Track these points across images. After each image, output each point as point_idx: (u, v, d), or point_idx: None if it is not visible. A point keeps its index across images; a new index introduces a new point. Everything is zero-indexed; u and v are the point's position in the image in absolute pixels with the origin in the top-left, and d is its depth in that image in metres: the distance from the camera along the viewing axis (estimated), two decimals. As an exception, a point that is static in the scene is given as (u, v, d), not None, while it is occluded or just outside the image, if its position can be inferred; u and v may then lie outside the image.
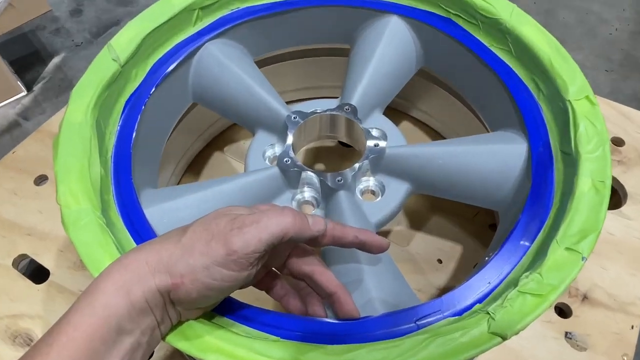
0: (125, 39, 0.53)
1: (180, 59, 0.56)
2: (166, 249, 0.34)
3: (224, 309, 0.39)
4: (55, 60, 1.29)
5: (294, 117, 0.56)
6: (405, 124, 0.77)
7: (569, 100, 0.48)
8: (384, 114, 0.60)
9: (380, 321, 0.39)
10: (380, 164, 0.54)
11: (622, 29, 1.33)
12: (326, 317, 0.40)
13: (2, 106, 1.19)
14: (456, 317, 0.39)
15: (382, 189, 0.54)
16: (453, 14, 0.58)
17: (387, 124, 0.58)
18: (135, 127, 0.51)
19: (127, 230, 0.44)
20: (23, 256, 0.62)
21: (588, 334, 0.54)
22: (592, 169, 0.44)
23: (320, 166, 0.73)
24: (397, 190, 0.53)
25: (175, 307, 0.35)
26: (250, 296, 0.43)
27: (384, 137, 0.56)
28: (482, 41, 0.56)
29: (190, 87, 0.59)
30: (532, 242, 0.43)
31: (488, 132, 0.59)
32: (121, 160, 0.49)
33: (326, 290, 0.39)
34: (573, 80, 0.49)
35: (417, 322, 0.38)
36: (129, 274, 0.33)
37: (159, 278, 0.33)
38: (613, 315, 0.55)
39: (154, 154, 0.56)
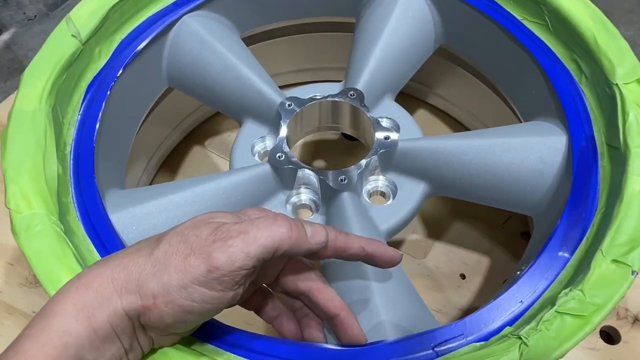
0: (87, 12, 0.53)
1: (153, 35, 0.56)
2: (135, 263, 0.34)
3: (206, 333, 0.39)
4: (4, 37, 1.29)
5: (289, 105, 0.56)
6: (422, 112, 0.77)
7: (616, 84, 0.48)
8: (396, 100, 0.60)
9: (391, 348, 0.39)
10: (391, 160, 0.54)
11: (681, 0, 1.33)
12: (326, 342, 0.40)
13: (-60, 92, 1.19)
14: (482, 342, 0.39)
15: (394, 190, 0.54)
16: (478, -19, 0.58)
17: (399, 112, 0.58)
18: (99, 116, 0.51)
19: (89, 239, 0.44)
20: (-35, 270, 0.62)
21: (640, 364, 0.54)
22: (644, 166, 0.44)
23: (320, 163, 0.73)
24: (412, 192, 0.53)
25: (147, 333, 0.35)
26: (236, 318, 0.43)
27: (396, 128, 0.56)
28: (513, 13, 0.56)
29: (165, 69, 0.59)
30: (572, 253, 0.43)
31: (520, 122, 0.59)
32: (82, 155, 0.49)
33: (326, 311, 0.39)
34: (621, 61, 0.49)
35: (435, 349, 0.38)
36: (91, 293, 0.33)
37: (126, 299, 0.33)
38: (669, 341, 0.55)
39: (122, 149, 0.56)
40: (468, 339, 0.39)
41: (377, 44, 0.59)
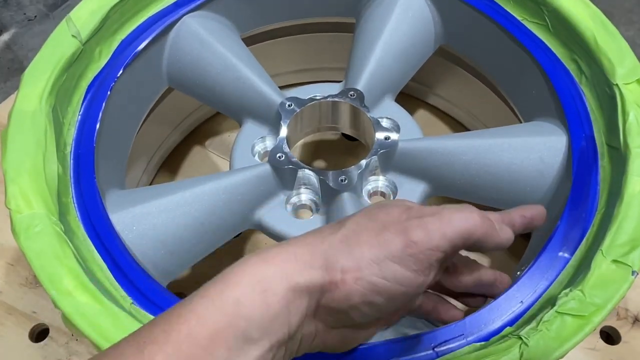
0: (87, 12, 0.53)
1: (153, 35, 0.56)
2: (322, 241, 0.32)
3: None
4: (4, 37, 1.29)
5: (289, 105, 0.56)
6: (422, 112, 0.77)
7: (616, 85, 0.48)
8: (396, 100, 0.60)
9: (391, 348, 0.39)
10: (391, 160, 0.54)
11: (681, 0, 1.33)
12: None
13: (-60, 92, 1.19)
14: (482, 342, 0.39)
15: (394, 190, 0.54)
16: (478, -19, 0.58)
17: (399, 112, 0.58)
18: (99, 116, 0.51)
19: (89, 240, 0.44)
20: (-35, 271, 0.62)
21: (640, 364, 0.54)
22: (644, 167, 0.44)
23: (320, 163, 0.73)
24: (412, 192, 0.53)
25: (317, 322, 0.33)
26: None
27: (396, 128, 0.56)
28: (513, 13, 0.56)
29: (165, 69, 0.59)
30: (572, 253, 0.43)
31: (520, 122, 0.59)
32: (82, 156, 0.49)
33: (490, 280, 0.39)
34: (621, 61, 0.49)
35: (435, 349, 0.38)
36: (271, 267, 0.30)
37: (310, 274, 0.31)
38: (670, 341, 0.55)
39: (122, 149, 0.56)
40: (468, 339, 0.39)
41: (377, 44, 0.59)
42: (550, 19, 0.54)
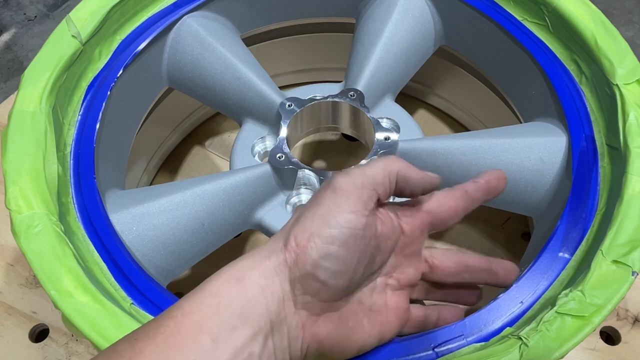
0: (87, 12, 0.53)
1: (153, 35, 0.56)
2: (282, 230, 0.36)
3: None
4: (4, 37, 1.29)
5: (289, 105, 0.56)
6: (422, 113, 0.77)
7: (616, 85, 0.48)
8: (397, 101, 0.60)
9: (391, 348, 0.39)
10: (391, 160, 0.54)
11: (681, 0, 1.33)
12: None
13: (-60, 92, 1.19)
14: (482, 343, 0.39)
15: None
16: (478, -19, 0.58)
17: (399, 113, 0.58)
18: (99, 116, 0.51)
19: (89, 240, 0.45)
20: (-35, 271, 0.62)
21: (640, 364, 0.54)
22: (644, 167, 0.44)
23: (320, 163, 0.73)
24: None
25: (299, 310, 0.34)
26: None
27: (396, 128, 0.57)
28: (513, 14, 0.56)
29: (165, 69, 0.59)
30: (572, 253, 0.43)
31: (520, 122, 0.59)
32: (82, 156, 0.49)
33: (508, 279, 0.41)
34: (621, 61, 0.49)
35: (435, 350, 0.38)
36: (242, 262, 0.34)
37: (274, 255, 0.34)
38: (670, 342, 0.55)
39: (122, 149, 0.56)
40: (468, 339, 0.39)
41: (378, 45, 0.59)
42: (550, 19, 0.54)
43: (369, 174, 0.36)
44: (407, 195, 0.38)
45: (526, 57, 0.54)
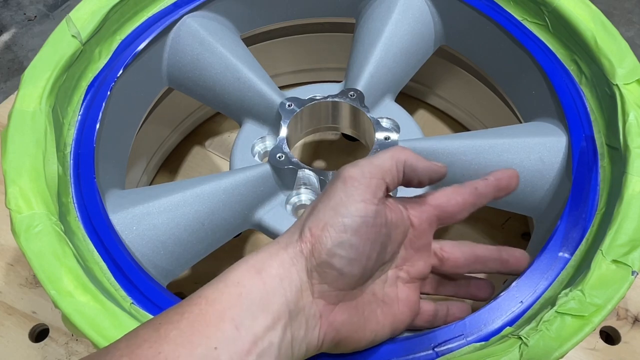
0: (87, 12, 0.53)
1: (153, 35, 0.56)
2: (296, 223, 0.37)
3: None
4: (4, 37, 1.29)
5: (289, 105, 0.56)
6: (422, 113, 0.77)
7: (616, 85, 0.48)
8: (397, 101, 0.60)
9: (391, 348, 0.39)
10: (391, 160, 0.54)
11: (681, 0, 1.33)
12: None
13: (-60, 92, 1.19)
14: (482, 342, 0.39)
15: (394, 190, 0.54)
16: (478, -19, 0.58)
17: (399, 113, 0.58)
18: (99, 116, 0.51)
19: (89, 240, 0.45)
20: (-35, 271, 0.62)
21: (640, 364, 0.54)
22: (644, 167, 0.44)
23: (320, 163, 0.73)
24: (412, 193, 0.53)
25: (316, 299, 0.35)
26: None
27: (396, 128, 0.57)
28: (513, 14, 0.56)
29: (165, 69, 0.60)
30: (572, 253, 0.43)
31: (520, 122, 0.59)
32: (82, 156, 0.49)
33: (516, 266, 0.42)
34: (621, 61, 0.49)
35: (435, 349, 0.38)
36: (261, 254, 0.35)
37: (291, 246, 0.35)
38: (670, 342, 0.55)
39: (122, 149, 0.56)
40: (468, 339, 0.39)
41: (377, 45, 0.59)
42: (550, 19, 0.54)
43: (376, 163, 0.37)
44: (414, 184, 0.39)
45: (526, 57, 0.54)
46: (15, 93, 0.50)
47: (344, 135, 0.73)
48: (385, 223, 0.37)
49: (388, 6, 0.61)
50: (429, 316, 0.41)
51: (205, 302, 0.33)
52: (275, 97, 0.57)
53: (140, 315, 0.41)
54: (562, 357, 0.37)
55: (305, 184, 0.53)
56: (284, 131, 0.54)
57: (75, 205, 0.46)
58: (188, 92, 0.61)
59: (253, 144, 0.57)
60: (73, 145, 0.49)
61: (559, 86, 0.51)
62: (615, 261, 0.40)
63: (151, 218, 0.48)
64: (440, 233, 0.66)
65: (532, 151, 0.50)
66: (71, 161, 0.49)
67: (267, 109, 0.57)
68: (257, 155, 0.57)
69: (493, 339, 0.39)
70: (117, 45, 0.55)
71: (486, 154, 0.51)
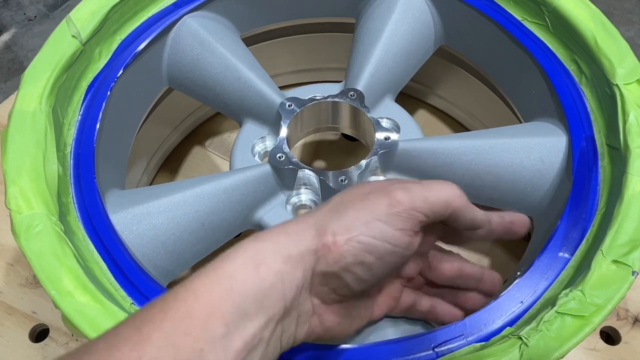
0: (87, 12, 0.53)
1: (153, 35, 0.56)
2: (311, 214, 0.34)
3: None
4: (4, 37, 1.29)
5: (289, 105, 0.56)
6: (422, 113, 0.77)
7: (616, 85, 0.48)
8: (397, 101, 0.60)
9: (391, 348, 0.39)
10: (391, 160, 0.54)
11: (681, 0, 1.33)
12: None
13: (-60, 92, 1.19)
14: (482, 343, 0.39)
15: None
16: (478, -19, 0.58)
17: (400, 113, 0.58)
18: (99, 116, 0.51)
19: (89, 240, 0.45)
20: (-35, 271, 0.62)
21: (640, 364, 0.54)
22: (644, 167, 0.44)
23: (320, 163, 0.73)
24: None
25: (313, 297, 0.34)
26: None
27: (396, 128, 0.57)
28: (513, 14, 0.56)
29: (165, 69, 0.59)
30: (572, 253, 0.43)
31: (520, 122, 0.59)
32: (82, 156, 0.49)
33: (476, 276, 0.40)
34: (621, 61, 0.49)
35: (435, 349, 0.38)
36: (263, 243, 0.32)
37: (303, 242, 0.32)
38: (670, 342, 0.55)
39: (122, 149, 0.56)
40: (468, 339, 0.39)
41: (377, 45, 0.59)
42: (550, 19, 0.54)
43: (430, 201, 0.34)
44: (447, 225, 0.37)
45: (526, 57, 0.54)
46: (15, 93, 0.50)
47: (344, 135, 0.73)
48: (410, 254, 0.35)
49: (388, 6, 0.61)
50: (406, 305, 0.41)
51: (193, 297, 0.30)
52: (275, 97, 0.57)
53: (140, 315, 0.41)
54: (562, 357, 0.37)
55: (305, 184, 0.53)
56: (284, 131, 0.54)
57: (75, 205, 0.46)
58: (188, 92, 0.61)
59: (253, 144, 0.57)
60: (73, 145, 0.49)
61: (559, 86, 0.51)
62: (615, 261, 0.40)
63: (151, 218, 0.48)
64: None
65: (532, 151, 0.50)
66: (71, 161, 0.49)
67: (267, 109, 0.57)
68: (257, 155, 0.57)
69: (493, 339, 0.39)
70: (117, 45, 0.55)
71: (486, 154, 0.51)
